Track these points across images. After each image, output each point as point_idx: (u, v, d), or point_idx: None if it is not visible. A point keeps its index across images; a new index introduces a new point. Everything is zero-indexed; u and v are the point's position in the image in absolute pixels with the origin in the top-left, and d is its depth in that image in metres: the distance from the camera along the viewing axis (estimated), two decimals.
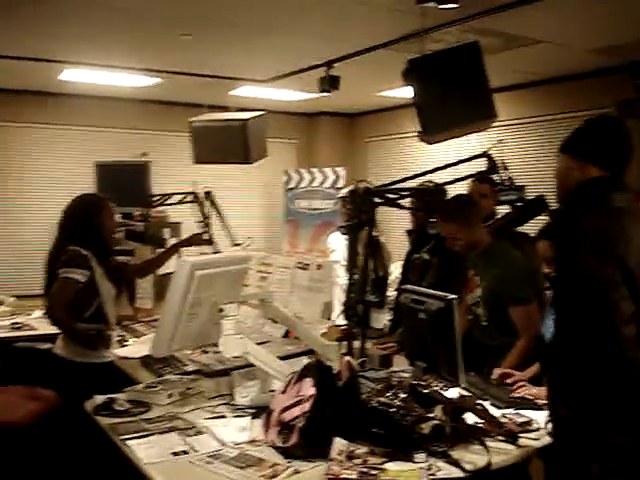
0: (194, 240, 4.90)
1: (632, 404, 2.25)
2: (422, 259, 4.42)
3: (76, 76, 6.64)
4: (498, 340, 3.68)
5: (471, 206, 3.71)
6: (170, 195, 5.82)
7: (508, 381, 3.31)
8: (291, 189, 9.00)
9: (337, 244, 6.62)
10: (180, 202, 5.74)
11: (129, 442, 2.64)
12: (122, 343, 4.42)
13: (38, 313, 5.37)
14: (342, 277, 5.14)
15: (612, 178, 2.50)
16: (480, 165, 3.46)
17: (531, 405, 3.03)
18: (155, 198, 5.87)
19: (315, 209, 8.84)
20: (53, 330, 3.92)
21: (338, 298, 5.53)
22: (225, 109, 6.75)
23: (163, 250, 4.84)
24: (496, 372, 3.40)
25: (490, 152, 3.36)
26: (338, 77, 5.84)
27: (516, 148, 6.90)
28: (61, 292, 3.75)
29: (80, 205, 4.07)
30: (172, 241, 5.53)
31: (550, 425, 2.57)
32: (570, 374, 2.40)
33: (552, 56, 5.67)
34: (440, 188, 4.06)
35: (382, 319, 4.78)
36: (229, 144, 5.74)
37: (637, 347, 2.20)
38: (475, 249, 3.74)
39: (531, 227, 3.59)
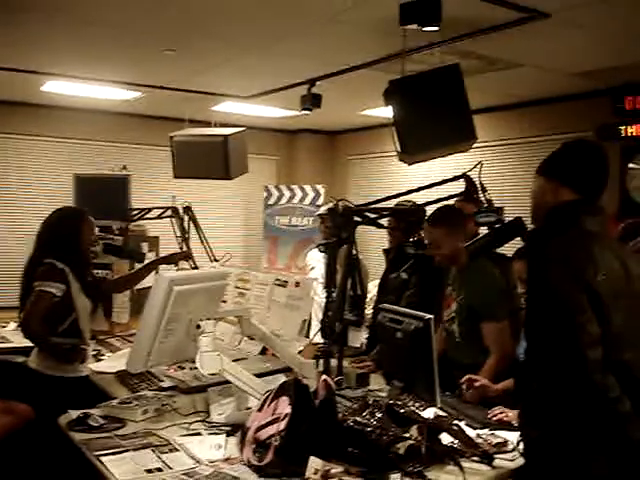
0: (174, 259, 4.89)
1: (599, 425, 2.26)
2: (400, 278, 4.43)
3: (58, 88, 6.62)
4: (470, 358, 3.69)
5: (460, 216, 3.75)
6: (149, 209, 5.79)
7: (476, 385, 3.34)
8: (271, 205, 9.01)
9: (316, 261, 6.63)
10: (159, 217, 5.72)
11: (103, 458, 2.61)
12: (98, 357, 4.38)
13: (13, 325, 5.32)
14: (320, 295, 5.14)
15: (585, 202, 2.51)
16: (460, 186, 3.47)
17: (506, 426, 3.04)
18: (134, 212, 5.84)
19: (294, 226, 8.85)
20: (28, 343, 3.89)
21: (316, 316, 5.54)
22: (207, 124, 6.77)
23: (142, 266, 4.81)
24: (464, 379, 3.42)
25: (469, 173, 3.38)
26: (320, 95, 5.87)
27: (496, 170, 6.96)
28: (36, 305, 3.73)
29: (59, 218, 4.05)
30: (150, 256, 5.51)
31: (522, 446, 2.58)
32: (539, 395, 2.41)
33: (533, 79, 5.74)
34: (418, 208, 4.09)
35: (360, 337, 4.78)
36: (209, 159, 5.75)
37: (602, 370, 2.22)
38: (454, 263, 3.77)
39: (509, 249, 3.62)
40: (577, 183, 2.51)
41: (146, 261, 5.11)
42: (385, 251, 4.88)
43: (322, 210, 6.15)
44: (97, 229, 4.59)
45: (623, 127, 5.72)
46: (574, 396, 2.27)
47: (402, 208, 4.35)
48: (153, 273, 4.53)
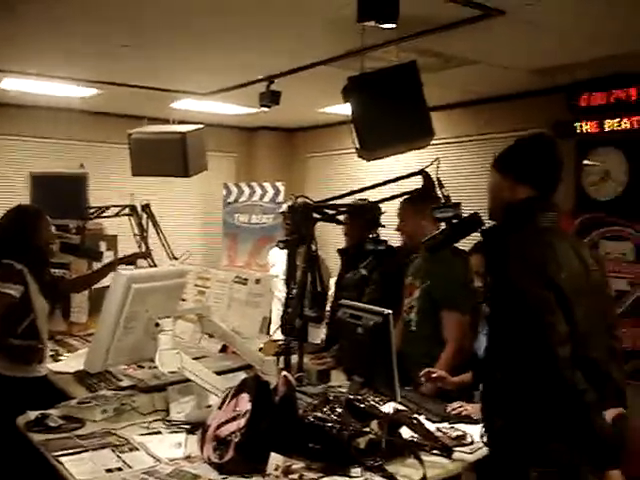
0: (133, 258, 4.85)
1: (565, 414, 2.31)
2: (360, 275, 4.45)
3: (14, 85, 6.52)
4: (424, 348, 3.74)
5: (427, 199, 3.78)
6: (107, 207, 5.74)
7: (433, 376, 3.38)
8: (230, 203, 8.97)
9: (276, 258, 6.63)
10: (117, 215, 5.67)
11: (62, 459, 2.59)
12: (56, 358, 4.33)
13: None
14: (281, 291, 5.14)
15: (540, 198, 2.55)
16: (418, 182, 3.50)
17: (465, 419, 3.08)
18: (92, 210, 5.78)
19: (254, 223, 8.83)
20: None
21: (277, 312, 5.53)
22: (165, 122, 6.72)
23: (101, 265, 4.76)
24: (423, 372, 3.45)
25: (427, 169, 3.41)
26: (279, 92, 5.86)
27: (454, 166, 7.02)
28: None
29: (14, 217, 3.99)
30: (108, 254, 5.46)
31: (485, 437, 2.61)
32: (504, 387, 2.45)
33: (489, 76, 5.79)
34: (373, 205, 4.12)
35: (320, 334, 4.80)
36: (168, 157, 5.71)
37: (571, 366, 2.27)
38: (415, 241, 3.80)
39: (465, 244, 3.66)
40: (532, 179, 2.55)
41: (105, 260, 5.07)
42: (340, 251, 4.89)
43: (284, 207, 6.16)
44: (54, 228, 4.53)
45: (578, 124, 5.81)
46: (542, 389, 2.32)
47: (359, 204, 4.37)
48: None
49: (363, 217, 4.37)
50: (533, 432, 2.36)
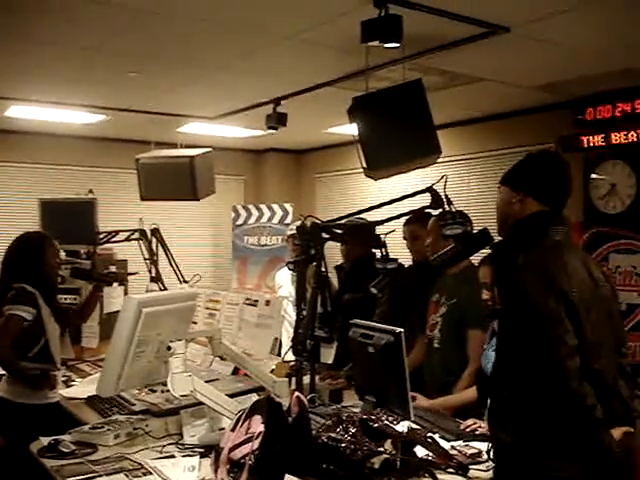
0: (110, 279, 4.83)
1: (573, 430, 2.30)
2: (370, 294, 4.43)
3: (22, 113, 6.59)
4: (446, 365, 3.72)
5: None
6: (117, 232, 5.76)
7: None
8: (239, 225, 8.99)
9: (284, 280, 6.63)
10: (127, 239, 5.69)
11: None
12: (68, 383, 4.33)
13: None
14: (290, 313, 5.13)
15: (551, 212, 2.56)
16: (426, 200, 3.50)
17: (480, 437, 3.06)
18: (101, 235, 5.80)
19: (263, 245, 8.84)
20: None
21: (287, 334, 5.52)
22: (173, 146, 6.76)
23: (89, 292, 4.69)
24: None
25: (435, 187, 3.41)
26: (285, 114, 5.89)
27: (461, 183, 7.03)
28: (6, 329, 3.69)
29: (22, 243, 4.03)
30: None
31: (492, 452, 2.60)
32: (511, 402, 2.44)
33: (495, 93, 5.81)
34: (370, 223, 4.11)
35: (331, 354, 4.78)
36: (176, 181, 5.74)
37: (579, 379, 2.26)
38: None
39: (475, 258, 3.66)
40: (542, 194, 2.56)
41: (114, 285, 5.09)
42: (338, 268, 4.87)
43: (292, 228, 6.16)
44: (64, 253, 4.55)
45: (584, 138, 5.81)
46: (550, 403, 2.31)
47: (353, 224, 4.32)
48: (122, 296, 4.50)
49: (358, 236, 4.35)
50: (540, 449, 2.34)
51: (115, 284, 5.08)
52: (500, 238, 2.73)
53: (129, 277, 5.69)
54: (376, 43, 3.63)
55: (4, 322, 3.70)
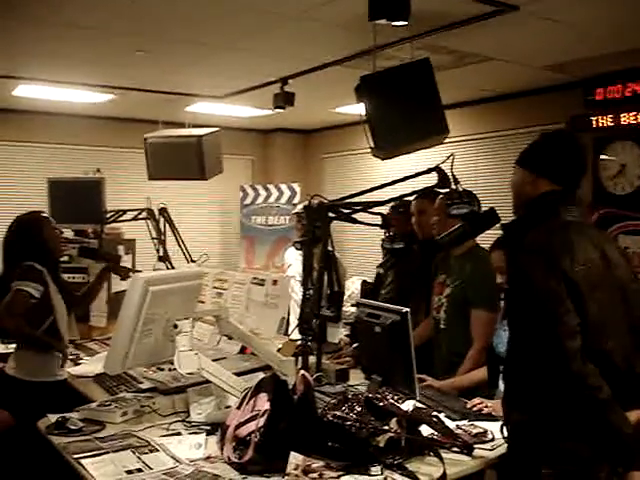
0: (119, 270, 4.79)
1: (580, 411, 2.31)
2: (377, 273, 4.45)
3: (30, 92, 6.59)
4: (452, 346, 3.73)
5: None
6: (124, 212, 5.77)
7: (422, 384, 3.38)
8: (247, 205, 9.00)
9: (293, 259, 6.64)
10: (134, 218, 5.69)
11: (83, 461, 2.59)
12: (76, 362, 4.36)
13: None
14: (298, 292, 5.14)
15: (563, 192, 2.55)
16: (433, 179, 3.48)
17: (486, 416, 3.06)
18: (109, 215, 5.82)
19: (271, 225, 8.85)
20: (4, 350, 3.87)
21: (294, 313, 5.54)
22: (180, 125, 6.75)
23: (94, 280, 4.66)
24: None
25: (442, 166, 3.39)
26: (293, 93, 5.87)
27: (469, 163, 7.00)
28: (12, 302, 3.72)
29: (19, 224, 4.04)
30: (126, 258, 5.50)
31: (505, 430, 2.61)
32: (523, 382, 2.46)
33: (504, 73, 5.78)
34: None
35: (338, 333, 4.79)
36: (184, 160, 5.74)
37: (581, 360, 2.26)
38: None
39: (482, 239, 3.64)
40: (555, 174, 2.56)
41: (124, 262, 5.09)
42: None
43: (298, 208, 6.17)
44: (71, 232, 4.56)
45: (594, 118, 5.78)
46: (555, 383, 2.31)
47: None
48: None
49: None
50: (550, 429, 2.36)
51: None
52: (511, 219, 2.73)
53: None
54: (384, 21, 3.61)
55: (11, 297, 3.72)
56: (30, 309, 3.75)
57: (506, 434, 2.61)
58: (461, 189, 3.26)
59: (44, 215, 4.20)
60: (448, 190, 3.42)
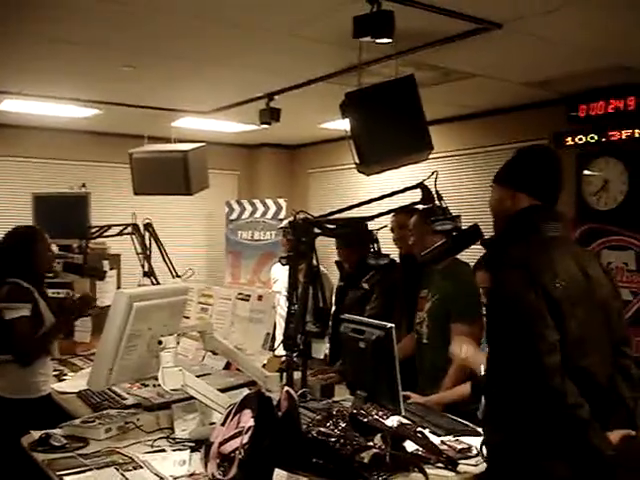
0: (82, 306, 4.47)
1: (559, 430, 2.28)
2: (362, 289, 4.45)
3: (16, 106, 6.57)
4: (434, 361, 3.74)
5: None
6: (109, 227, 5.76)
7: (407, 402, 3.39)
8: (233, 220, 8.99)
9: (279, 274, 6.64)
10: (120, 233, 5.68)
11: (66, 478, 2.59)
12: (60, 377, 4.33)
13: None
14: (284, 308, 5.14)
15: (543, 207, 2.54)
16: (416, 196, 3.50)
17: (470, 431, 3.07)
18: (94, 230, 5.80)
19: (257, 240, 8.84)
20: None
21: (280, 328, 5.53)
22: (166, 140, 6.76)
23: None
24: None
25: (425, 183, 3.41)
26: (279, 109, 5.89)
27: (453, 179, 7.03)
28: (18, 333, 3.78)
29: (14, 238, 4.02)
30: (111, 273, 5.49)
31: (484, 450, 2.61)
32: (502, 400, 2.44)
33: (488, 89, 5.82)
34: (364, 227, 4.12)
35: (323, 349, 4.79)
36: (170, 175, 5.74)
37: (560, 377, 2.24)
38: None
39: (466, 256, 3.65)
40: (533, 187, 2.54)
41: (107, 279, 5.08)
42: (337, 263, 4.87)
43: (284, 223, 6.18)
44: (56, 248, 4.54)
45: (577, 135, 5.82)
46: (534, 402, 2.29)
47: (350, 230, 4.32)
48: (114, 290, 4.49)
49: (356, 243, 4.39)
50: (531, 448, 2.32)
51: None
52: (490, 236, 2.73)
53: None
54: (368, 39, 3.63)
55: (14, 330, 3.76)
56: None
57: (485, 453, 2.61)
58: (444, 205, 3.27)
59: (38, 231, 4.19)
60: (426, 206, 3.44)
